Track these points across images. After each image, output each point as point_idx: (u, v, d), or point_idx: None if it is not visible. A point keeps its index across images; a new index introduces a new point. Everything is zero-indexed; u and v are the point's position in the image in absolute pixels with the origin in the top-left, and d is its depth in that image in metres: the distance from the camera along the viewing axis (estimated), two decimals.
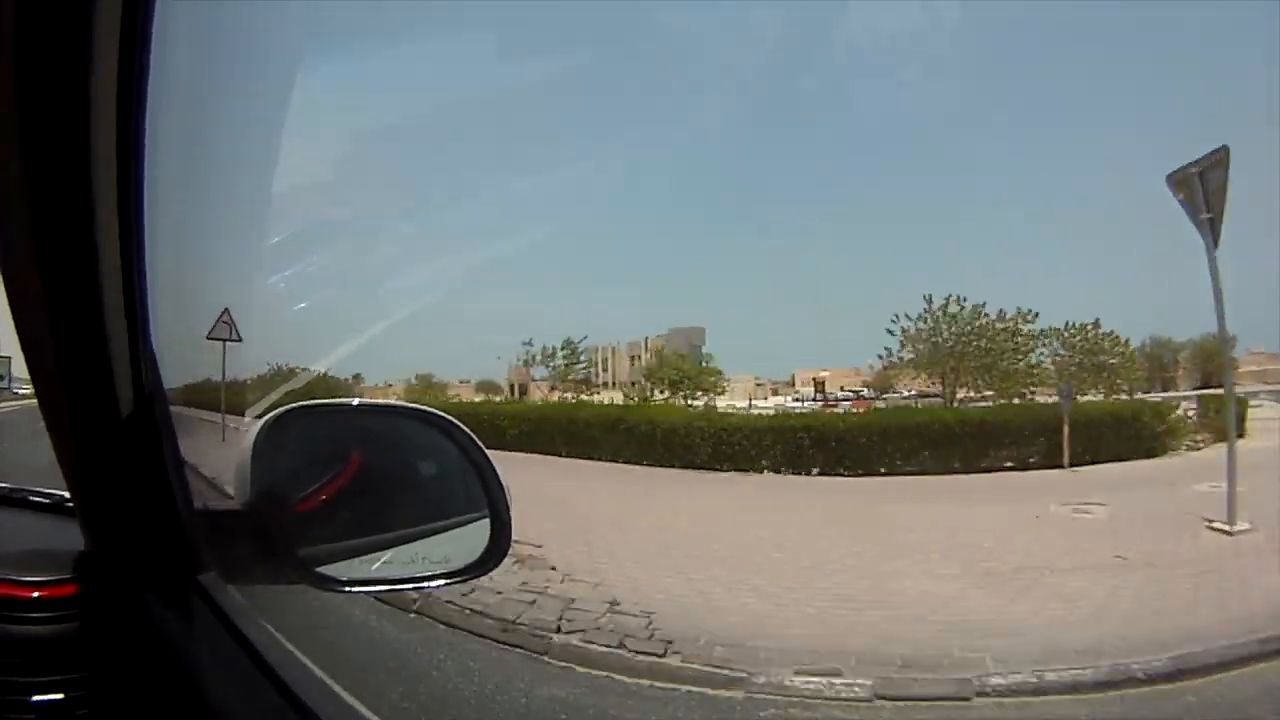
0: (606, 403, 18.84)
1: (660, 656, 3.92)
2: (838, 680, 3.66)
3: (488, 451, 1.06)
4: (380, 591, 1.10)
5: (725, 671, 3.74)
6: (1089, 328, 19.61)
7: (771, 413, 16.00)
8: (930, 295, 18.58)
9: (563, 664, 3.97)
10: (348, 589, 0.98)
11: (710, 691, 3.64)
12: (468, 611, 4.42)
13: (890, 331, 19.07)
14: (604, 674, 3.84)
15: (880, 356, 20.04)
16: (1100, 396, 17.49)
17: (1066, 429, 11.27)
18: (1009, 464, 11.60)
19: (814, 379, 41.72)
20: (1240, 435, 9.73)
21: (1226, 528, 6.22)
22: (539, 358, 24.17)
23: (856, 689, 3.60)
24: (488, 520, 1.04)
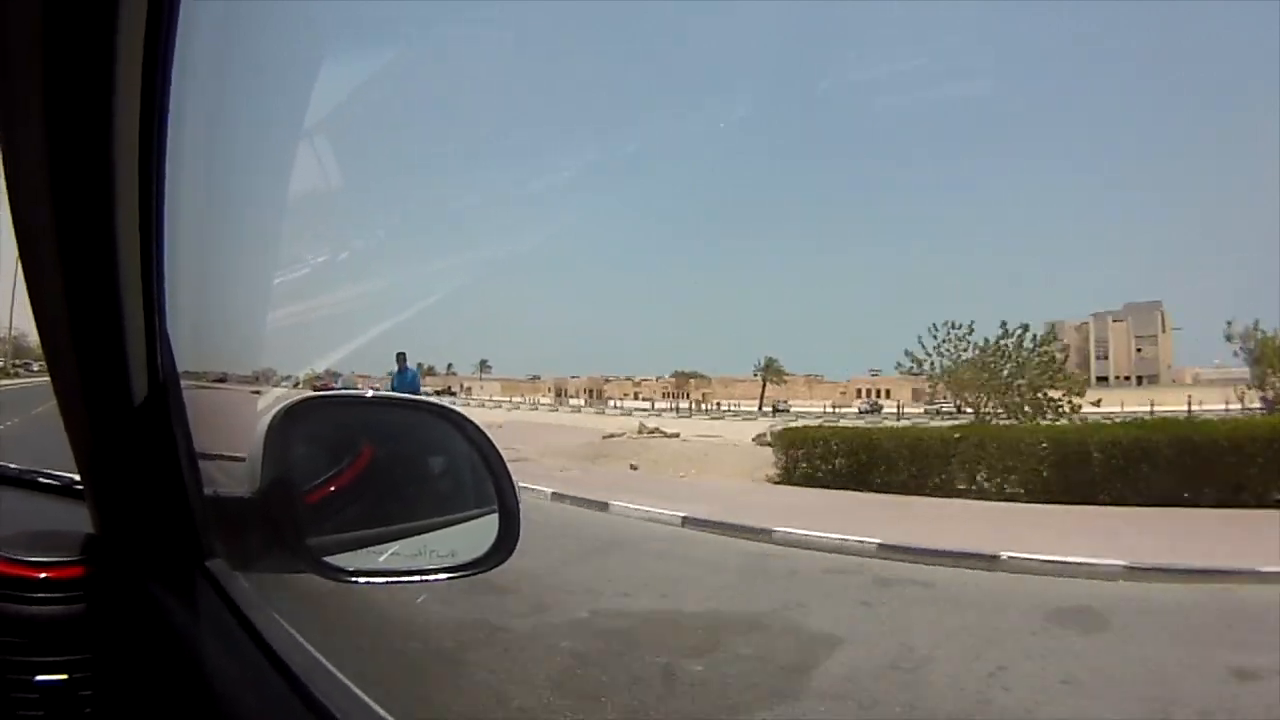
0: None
1: None
2: None
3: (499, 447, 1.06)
4: (386, 583, 1.10)
5: None
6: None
7: None
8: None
9: None
10: (353, 580, 0.97)
11: None
12: None
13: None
14: None
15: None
16: None
17: None
18: None
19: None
20: None
21: None
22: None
23: None
24: (496, 515, 1.03)
